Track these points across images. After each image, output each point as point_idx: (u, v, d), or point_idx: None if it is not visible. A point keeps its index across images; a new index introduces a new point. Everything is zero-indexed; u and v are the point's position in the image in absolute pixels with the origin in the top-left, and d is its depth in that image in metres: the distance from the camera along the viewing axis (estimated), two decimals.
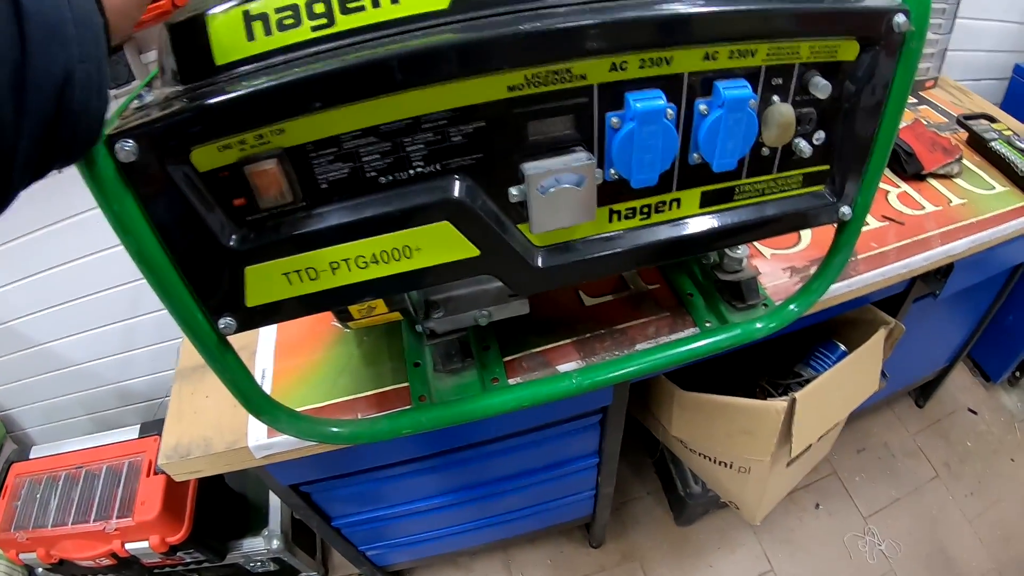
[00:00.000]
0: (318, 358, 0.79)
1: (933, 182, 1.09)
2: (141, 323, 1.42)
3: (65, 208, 1.20)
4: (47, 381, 1.53)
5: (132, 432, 1.26)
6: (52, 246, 1.26)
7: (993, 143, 1.16)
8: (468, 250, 0.50)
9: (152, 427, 1.26)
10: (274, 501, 1.34)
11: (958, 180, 1.11)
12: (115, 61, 1.06)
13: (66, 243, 1.26)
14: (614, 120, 0.48)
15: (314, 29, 0.43)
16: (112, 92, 1.04)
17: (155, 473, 1.17)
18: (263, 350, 0.81)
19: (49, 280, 1.32)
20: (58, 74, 0.31)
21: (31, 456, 1.31)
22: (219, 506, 1.29)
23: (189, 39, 0.42)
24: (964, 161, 1.14)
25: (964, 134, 1.23)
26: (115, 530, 1.15)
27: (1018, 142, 1.16)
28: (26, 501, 1.23)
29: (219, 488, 1.31)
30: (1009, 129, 1.23)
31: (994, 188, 1.09)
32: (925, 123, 1.26)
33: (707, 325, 0.77)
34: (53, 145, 0.32)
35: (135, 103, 0.44)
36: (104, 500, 1.19)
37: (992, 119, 1.27)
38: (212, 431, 0.74)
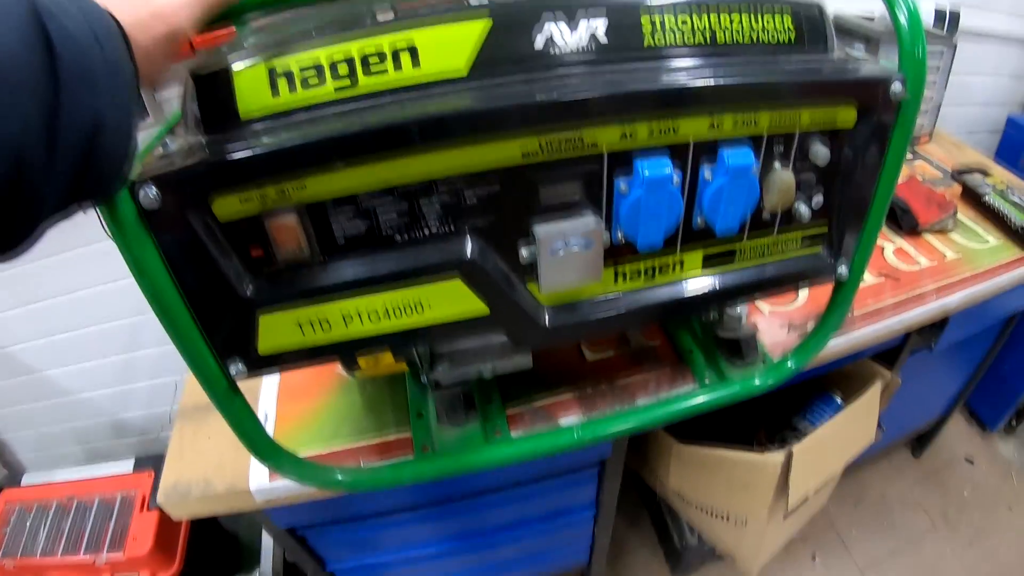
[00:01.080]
0: (321, 403, 0.79)
1: (928, 237, 1.11)
2: (140, 358, 1.42)
3: (73, 239, 1.21)
4: (42, 409, 1.52)
5: (126, 466, 1.26)
6: (57, 275, 1.27)
7: (987, 196, 1.19)
8: (478, 307, 0.51)
9: (147, 461, 1.25)
10: (267, 541, 1.33)
11: (953, 234, 1.13)
12: None
13: (72, 273, 1.27)
14: (623, 186, 0.50)
15: (337, 89, 0.45)
16: None
17: (148, 508, 1.17)
18: (266, 392, 0.81)
19: (52, 309, 1.33)
20: (88, 119, 0.32)
21: (23, 483, 1.30)
22: (211, 545, 1.28)
23: (215, 90, 0.44)
24: (959, 215, 1.16)
25: (959, 188, 1.26)
26: (105, 563, 1.14)
27: (1011, 195, 1.18)
28: (15, 528, 1.21)
29: (212, 527, 1.30)
30: (1003, 182, 1.25)
31: (988, 241, 1.11)
32: (920, 178, 1.29)
33: (706, 381, 0.78)
34: (81, 186, 0.33)
35: (159, 150, 0.46)
36: (95, 532, 1.18)
37: (986, 172, 1.30)
38: (213, 472, 0.74)
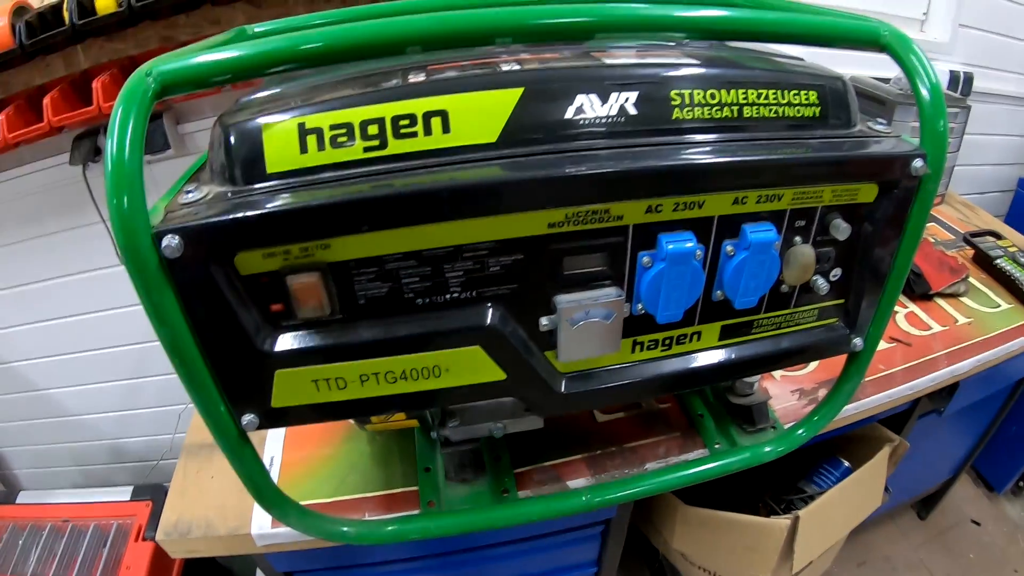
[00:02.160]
0: (328, 453, 0.78)
1: (940, 301, 1.11)
2: (145, 385, 1.42)
3: (85, 261, 1.22)
4: (42, 427, 1.52)
5: (124, 493, 1.25)
6: (68, 296, 1.28)
7: (999, 260, 1.19)
8: (495, 373, 0.51)
9: (145, 491, 1.24)
10: None
11: (965, 299, 1.13)
12: (152, 129, 1.10)
13: (82, 295, 1.27)
14: (645, 259, 0.50)
15: (366, 150, 0.45)
16: (147, 158, 1.07)
17: (144, 539, 1.15)
18: (273, 437, 0.81)
19: (60, 328, 1.33)
20: None
21: (18, 501, 1.29)
22: None
23: (243, 142, 0.44)
24: (971, 279, 1.16)
25: (970, 251, 1.26)
26: None
27: (1023, 259, 1.19)
28: (7, 546, 1.20)
29: (206, 562, 1.28)
30: (1014, 246, 1.26)
31: (999, 306, 1.11)
32: (932, 241, 1.29)
33: (717, 447, 0.77)
34: None
35: (183, 198, 0.46)
36: (88, 559, 1.17)
37: (998, 236, 1.30)
38: (215, 513, 0.73)
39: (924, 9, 1.53)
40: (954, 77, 1.47)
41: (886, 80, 1.36)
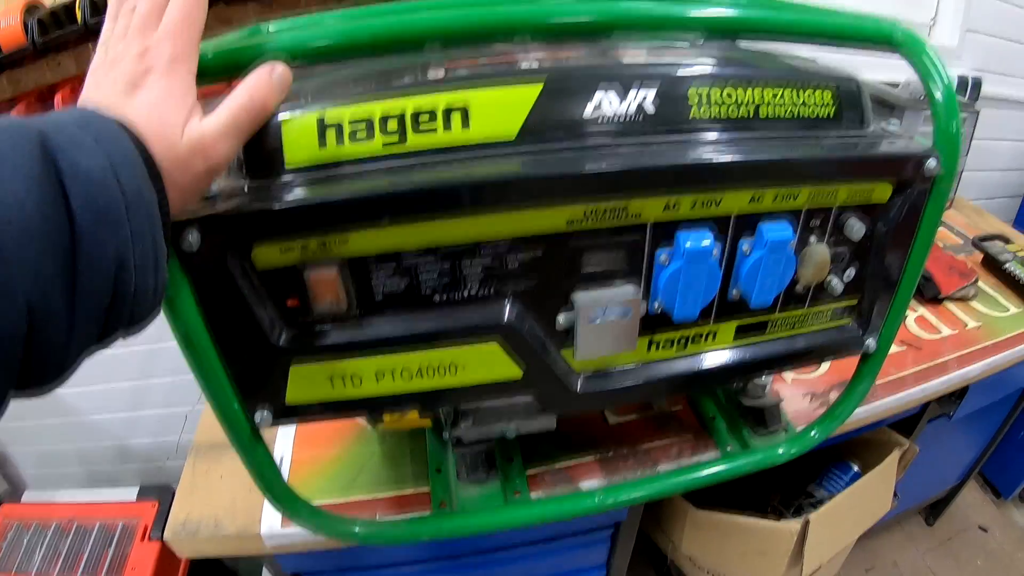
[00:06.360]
0: (339, 452, 0.78)
1: (950, 305, 1.11)
2: (152, 386, 1.41)
3: None
4: (49, 427, 1.51)
5: (130, 493, 1.25)
6: None
7: (1007, 264, 1.19)
8: (512, 371, 0.51)
9: (151, 491, 1.24)
10: None
11: (974, 303, 1.13)
12: None
13: None
14: (663, 257, 0.50)
15: (385, 145, 0.45)
16: None
17: (150, 539, 1.15)
18: (283, 436, 0.81)
19: None
20: (110, 258, 0.29)
21: (24, 500, 1.29)
22: None
23: (262, 136, 0.43)
24: (980, 283, 1.16)
25: (979, 255, 1.26)
26: None
27: None
28: (12, 544, 1.20)
29: (212, 562, 1.28)
30: (1023, 250, 1.25)
31: (1009, 310, 1.11)
32: (942, 245, 1.29)
33: (728, 449, 0.77)
34: (110, 323, 0.31)
35: None
36: (93, 558, 1.17)
37: (1007, 240, 1.30)
38: (223, 513, 0.73)
39: (932, 14, 1.54)
40: (962, 82, 1.47)
41: (895, 85, 1.36)
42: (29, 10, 0.94)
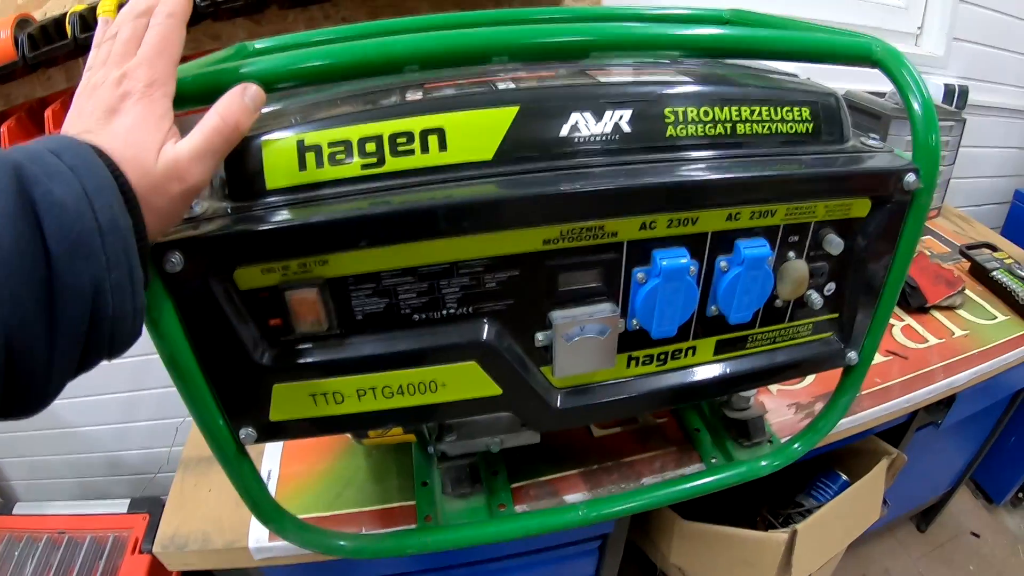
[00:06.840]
0: (325, 467, 0.78)
1: (937, 314, 1.12)
2: (143, 397, 1.41)
3: None
4: (39, 438, 1.51)
5: (121, 506, 1.24)
6: None
7: (994, 272, 1.20)
8: (491, 389, 0.51)
9: (142, 504, 1.24)
10: None
11: (961, 311, 1.13)
12: None
13: None
14: (640, 275, 0.50)
15: (364, 167, 0.46)
16: None
17: (140, 552, 1.15)
18: (271, 451, 0.81)
19: None
20: (86, 286, 0.30)
21: (14, 512, 1.28)
22: None
23: (243, 158, 0.44)
24: (967, 291, 1.16)
25: (966, 264, 1.27)
26: None
27: (1019, 270, 1.20)
28: (2, 556, 1.20)
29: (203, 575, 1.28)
30: (1010, 257, 1.26)
31: (996, 318, 1.12)
32: (928, 254, 1.30)
33: (713, 461, 0.77)
34: (90, 349, 0.32)
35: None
36: (84, 570, 1.16)
37: (993, 248, 1.31)
38: (212, 526, 0.73)
39: (919, 23, 1.55)
40: (949, 90, 1.48)
41: (881, 94, 1.37)
42: (19, 25, 0.94)
